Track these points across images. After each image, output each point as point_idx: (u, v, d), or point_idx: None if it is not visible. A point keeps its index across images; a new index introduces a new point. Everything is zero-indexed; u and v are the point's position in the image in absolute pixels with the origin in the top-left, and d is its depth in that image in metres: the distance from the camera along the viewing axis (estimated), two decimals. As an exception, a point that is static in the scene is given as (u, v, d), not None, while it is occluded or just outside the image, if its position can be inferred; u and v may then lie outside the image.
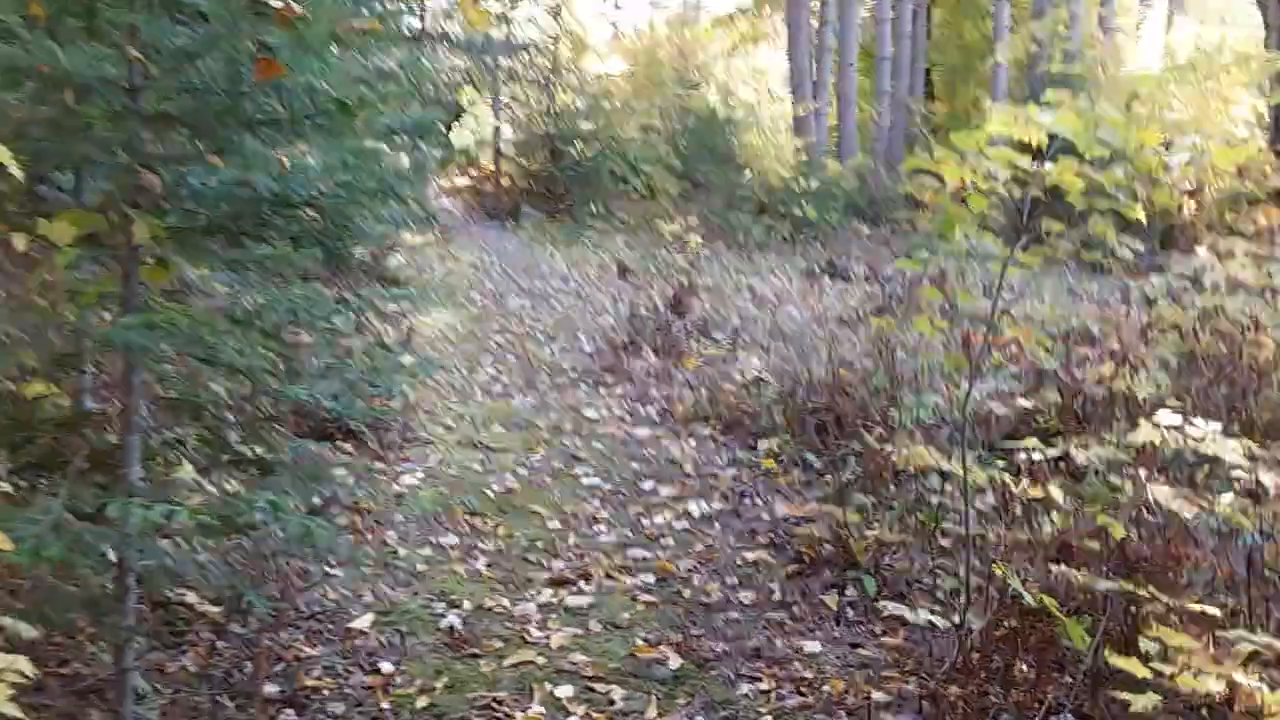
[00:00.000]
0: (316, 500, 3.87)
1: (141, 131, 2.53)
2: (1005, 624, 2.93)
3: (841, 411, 5.08)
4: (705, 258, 12.53)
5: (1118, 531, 2.81)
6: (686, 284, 9.33)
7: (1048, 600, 2.72)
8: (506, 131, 17.60)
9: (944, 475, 3.90)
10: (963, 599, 3.10)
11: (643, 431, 5.68)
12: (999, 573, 2.90)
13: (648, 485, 4.81)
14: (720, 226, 14.96)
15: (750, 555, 4.00)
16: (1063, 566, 2.94)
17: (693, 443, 5.46)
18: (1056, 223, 3.75)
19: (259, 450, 2.99)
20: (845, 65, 19.17)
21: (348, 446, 5.12)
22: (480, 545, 4.05)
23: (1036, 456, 3.90)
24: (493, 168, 17.59)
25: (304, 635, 3.21)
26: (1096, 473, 4.13)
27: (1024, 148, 3.40)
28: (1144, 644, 2.61)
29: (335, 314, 2.79)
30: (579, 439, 5.55)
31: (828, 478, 4.71)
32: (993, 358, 6.36)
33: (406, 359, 3.52)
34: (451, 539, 4.11)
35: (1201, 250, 15.18)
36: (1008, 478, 3.68)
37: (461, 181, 18.55)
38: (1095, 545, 2.99)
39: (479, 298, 10.18)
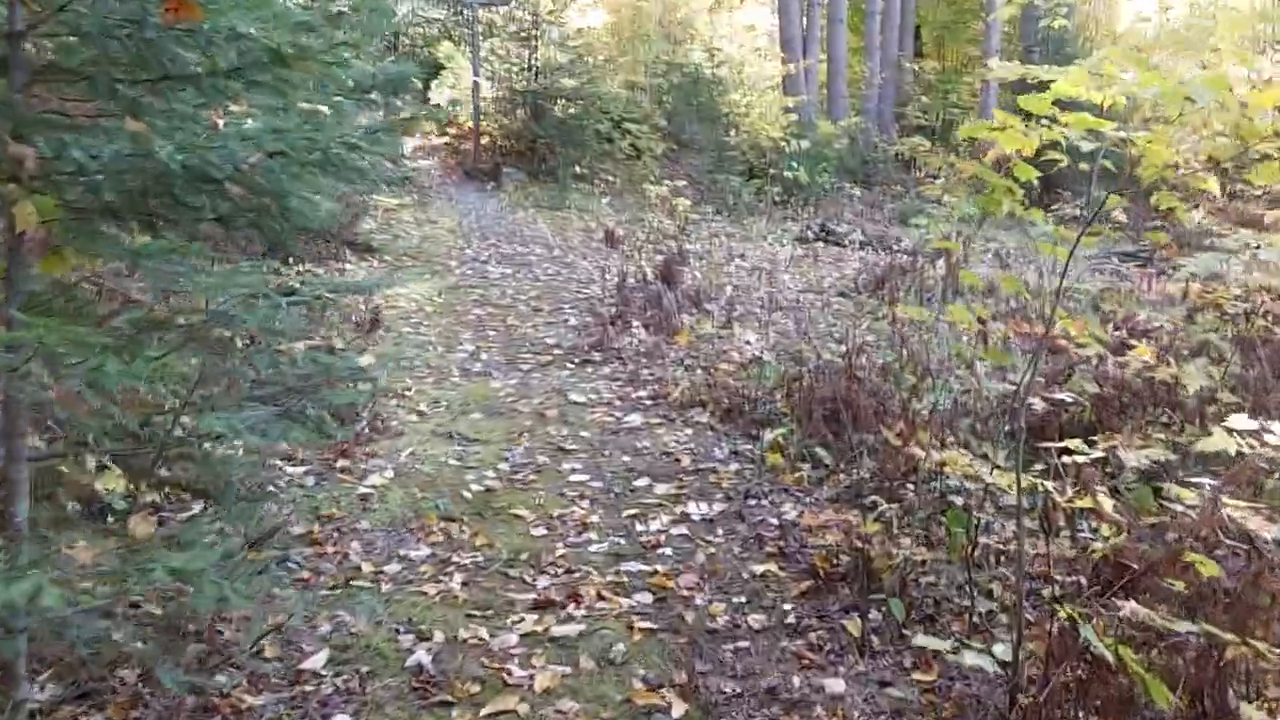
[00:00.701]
0: (277, 506, 3.42)
1: (22, 89, 2.04)
2: (1066, 669, 2.51)
3: (853, 400, 4.64)
4: (694, 222, 12.05)
5: (1209, 569, 2.38)
6: (677, 252, 8.85)
7: (1125, 653, 2.30)
8: (486, 88, 16.94)
9: (977, 481, 3.47)
10: (1014, 638, 2.68)
11: (634, 418, 5.22)
12: (1063, 614, 2.47)
13: (641, 482, 4.36)
14: (709, 189, 14.45)
15: (758, 568, 3.57)
16: (1132, 603, 2.52)
17: (689, 432, 5.01)
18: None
19: (192, 470, 2.53)
20: (834, 21, 18.55)
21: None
22: (455, 558, 3.60)
23: (1079, 459, 3.47)
24: (472, 126, 16.95)
25: (246, 679, 2.76)
26: (1143, 474, 3.73)
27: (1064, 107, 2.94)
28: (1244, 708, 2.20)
29: (275, 310, 2.31)
30: (565, 427, 5.09)
31: (840, 475, 4.28)
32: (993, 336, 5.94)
33: (365, 359, 3.04)
34: (423, 550, 3.66)
35: (1198, 214, 14.65)
36: (1050, 486, 3.26)
37: (439, 140, 17.91)
38: (1176, 583, 2.57)
39: (457, 265, 9.66)
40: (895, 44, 20.22)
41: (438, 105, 19.01)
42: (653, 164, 15.96)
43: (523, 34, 16.18)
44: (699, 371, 6.04)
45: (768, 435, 4.73)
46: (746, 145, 15.69)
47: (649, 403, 5.49)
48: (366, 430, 4.77)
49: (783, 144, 15.01)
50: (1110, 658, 2.29)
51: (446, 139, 18.07)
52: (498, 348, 6.76)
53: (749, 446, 4.73)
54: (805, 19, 18.40)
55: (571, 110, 15.68)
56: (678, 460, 4.62)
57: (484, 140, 16.94)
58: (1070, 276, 10.54)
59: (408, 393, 5.54)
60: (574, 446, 4.79)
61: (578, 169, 15.20)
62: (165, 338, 2.18)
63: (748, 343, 6.82)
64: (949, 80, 19.45)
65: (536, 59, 16.25)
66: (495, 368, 6.26)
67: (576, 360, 6.44)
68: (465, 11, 16.50)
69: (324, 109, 2.90)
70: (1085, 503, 3.25)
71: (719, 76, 17.75)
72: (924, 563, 3.43)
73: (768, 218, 13.47)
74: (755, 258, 10.59)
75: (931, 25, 23.04)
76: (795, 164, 14.60)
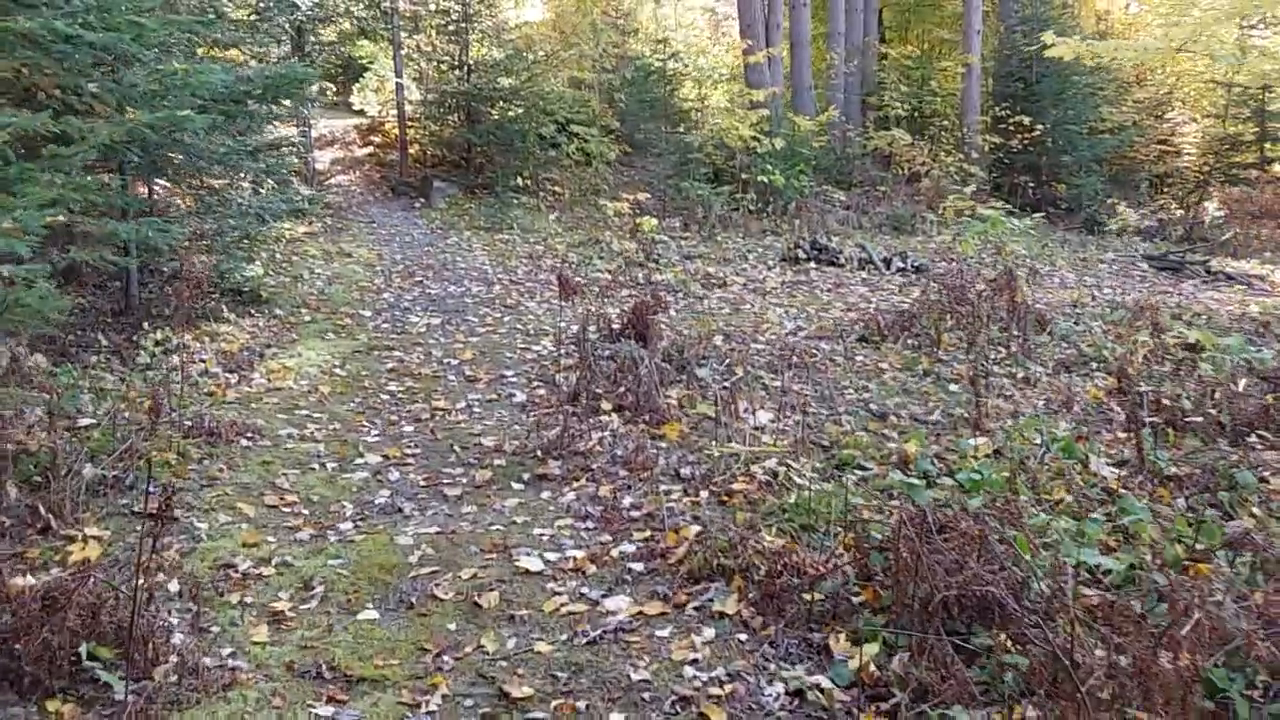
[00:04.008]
0: None
1: None
2: None
3: (998, 599, 2.77)
4: (659, 241, 10.17)
5: None
6: (650, 293, 6.95)
7: None
8: (413, 91, 14.89)
9: None
10: None
11: (619, 604, 3.32)
12: None
13: (646, 786, 2.46)
14: (671, 199, 12.57)
15: None
16: None
17: (709, 636, 3.12)
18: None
19: None
20: (797, 4, 16.72)
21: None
22: None
23: None
24: (398, 134, 14.90)
25: None
26: None
27: None
28: None
29: None
30: (510, 632, 3.17)
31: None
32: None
33: None
34: None
35: (1211, 205, 13.03)
36: None
37: (362, 151, 15.82)
38: None
39: (371, 315, 7.68)
40: (861, 27, 18.49)
41: (361, 111, 16.94)
42: (605, 171, 14.05)
43: (452, 27, 14.16)
44: (704, 494, 4.16)
45: (850, 657, 2.86)
46: (711, 146, 13.83)
47: (639, 568, 3.59)
48: (172, 682, 2.81)
49: (753, 144, 13.16)
50: None
51: (371, 149, 16.00)
52: (415, 456, 4.82)
53: (818, 678, 2.84)
54: (766, 2, 16.54)
55: (511, 113, 13.70)
56: (704, 717, 2.72)
57: (412, 150, 14.90)
58: (1106, 287, 8.77)
59: (264, 570, 3.58)
60: (524, 688, 2.86)
61: (520, 180, 13.24)
62: None
63: (759, 430, 4.97)
64: (924, 66, 17.74)
65: (469, 56, 14.24)
66: (408, 497, 4.32)
67: (526, 475, 4.52)
68: (384, 2, 14.43)
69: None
70: None
71: (675, 70, 15.85)
72: None
73: (744, 232, 11.64)
74: (740, 287, 8.74)
75: (897, 7, 21.31)
76: (769, 166, 12.77)
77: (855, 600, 3.18)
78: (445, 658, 3.03)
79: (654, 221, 9.44)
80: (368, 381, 6.06)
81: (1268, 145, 16.69)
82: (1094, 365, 6.19)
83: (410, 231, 11.23)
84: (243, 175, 8.08)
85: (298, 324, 7.24)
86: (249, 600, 3.35)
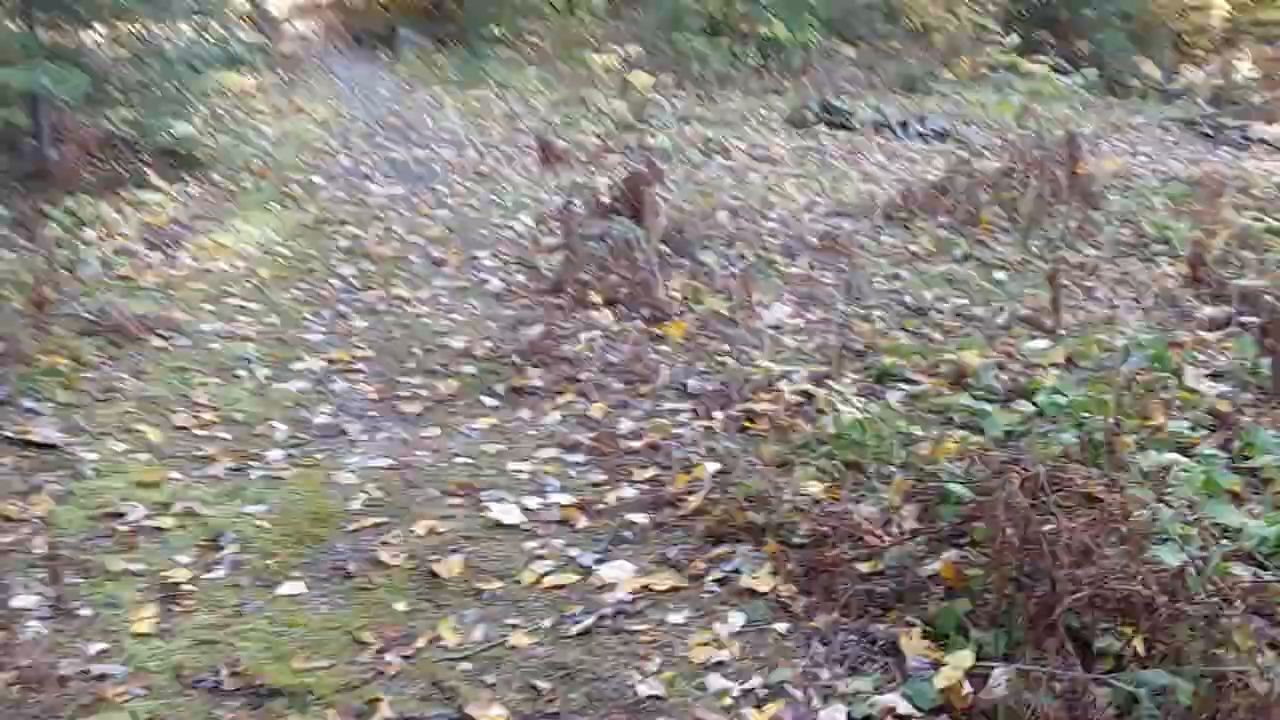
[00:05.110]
0: None
1: None
2: None
3: (1144, 602, 2.02)
4: (652, 101, 9.13)
5: None
6: (645, 163, 6.00)
7: None
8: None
9: None
10: None
11: (617, 575, 2.56)
12: None
13: None
14: (664, 53, 11.39)
15: None
16: None
17: (737, 623, 2.37)
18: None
19: None
20: None
21: None
22: None
23: None
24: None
25: None
26: None
27: None
28: None
29: None
30: (481, 615, 2.42)
31: None
32: None
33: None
34: None
35: (1244, 65, 11.87)
36: None
37: (322, -4, 14.40)
38: None
39: (325, 183, 6.73)
40: None
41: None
42: (591, 20, 12.79)
43: None
44: (719, 416, 3.38)
45: (930, 664, 2.13)
46: (707, -8, 12.50)
47: (642, 521, 2.82)
48: (13, 698, 2.06)
49: (754, -11, 11.87)
50: None
51: (332, -7, 14.57)
52: (367, 360, 4.00)
53: (890, 698, 2.11)
54: None
55: (486, -48, 12.33)
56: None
57: (377, -6, 13.54)
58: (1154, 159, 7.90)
59: (162, 520, 2.80)
60: (494, 708, 2.12)
61: (496, 29, 12.00)
62: None
63: (775, 329, 4.17)
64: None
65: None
66: (355, 415, 3.52)
67: (501, 387, 3.72)
68: None
69: None
70: None
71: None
72: None
73: (744, 90, 10.57)
74: (743, 155, 7.79)
75: None
76: (772, 16, 11.56)
77: (923, 574, 2.44)
78: (390, 656, 2.28)
79: (646, 78, 8.39)
80: (315, 263, 5.19)
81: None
82: (1156, 248, 5.39)
83: (374, 86, 10.12)
84: (173, 17, 6.97)
85: (238, 192, 6.31)
86: (136, 567, 2.58)
